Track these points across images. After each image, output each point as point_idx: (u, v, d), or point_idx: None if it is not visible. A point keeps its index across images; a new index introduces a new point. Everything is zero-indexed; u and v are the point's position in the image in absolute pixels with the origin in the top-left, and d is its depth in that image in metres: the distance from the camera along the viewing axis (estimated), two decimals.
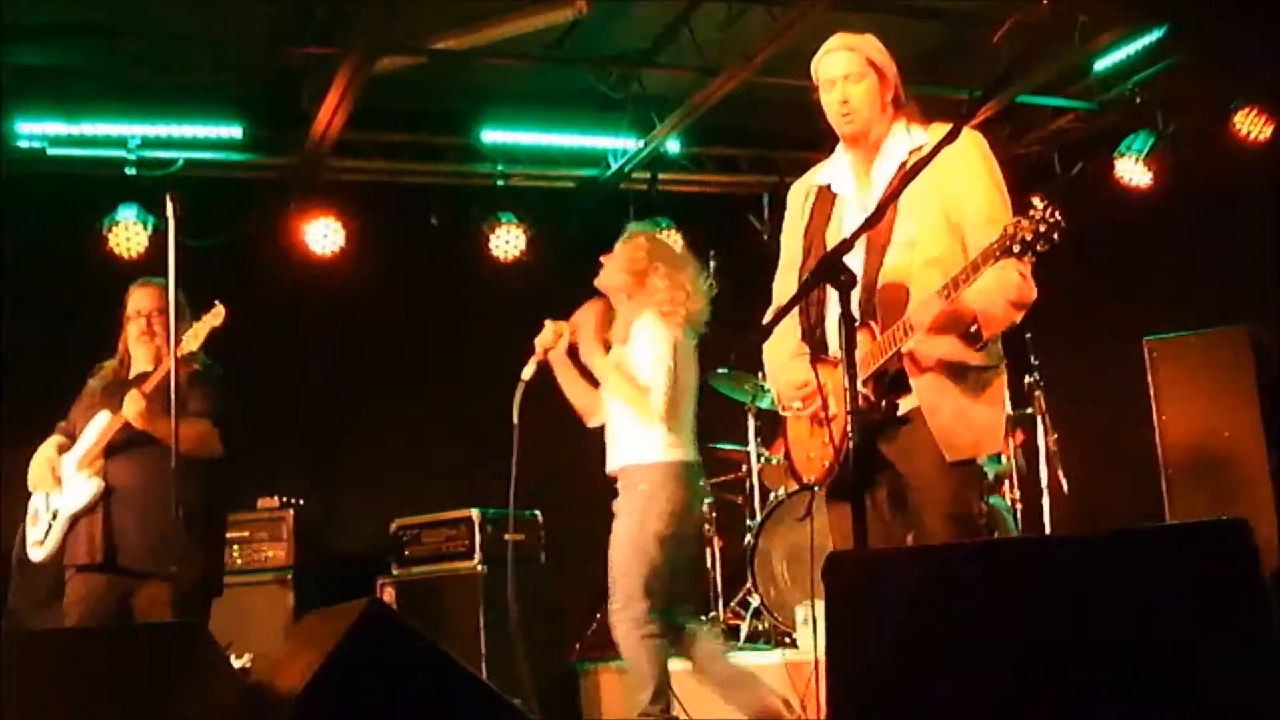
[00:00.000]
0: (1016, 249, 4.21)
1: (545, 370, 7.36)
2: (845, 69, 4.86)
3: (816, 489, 5.00)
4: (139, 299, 6.79)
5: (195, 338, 6.44)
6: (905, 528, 4.88)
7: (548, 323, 7.09)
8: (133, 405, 6.42)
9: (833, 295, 4.63)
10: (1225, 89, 9.77)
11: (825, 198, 5.02)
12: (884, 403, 4.67)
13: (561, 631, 9.23)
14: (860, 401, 4.51)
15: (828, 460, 4.82)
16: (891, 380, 4.67)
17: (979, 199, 4.70)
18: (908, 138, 4.85)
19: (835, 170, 5.06)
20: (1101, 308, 10.60)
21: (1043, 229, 4.18)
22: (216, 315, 6.49)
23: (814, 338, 4.89)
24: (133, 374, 6.76)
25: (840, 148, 5.06)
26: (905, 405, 4.69)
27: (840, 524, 4.93)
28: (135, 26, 8.77)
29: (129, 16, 8.67)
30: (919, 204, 4.65)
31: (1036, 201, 4.22)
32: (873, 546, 4.19)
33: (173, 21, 8.80)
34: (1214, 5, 8.68)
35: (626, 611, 6.52)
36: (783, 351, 5.04)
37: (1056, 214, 4.18)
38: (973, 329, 4.57)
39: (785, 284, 5.19)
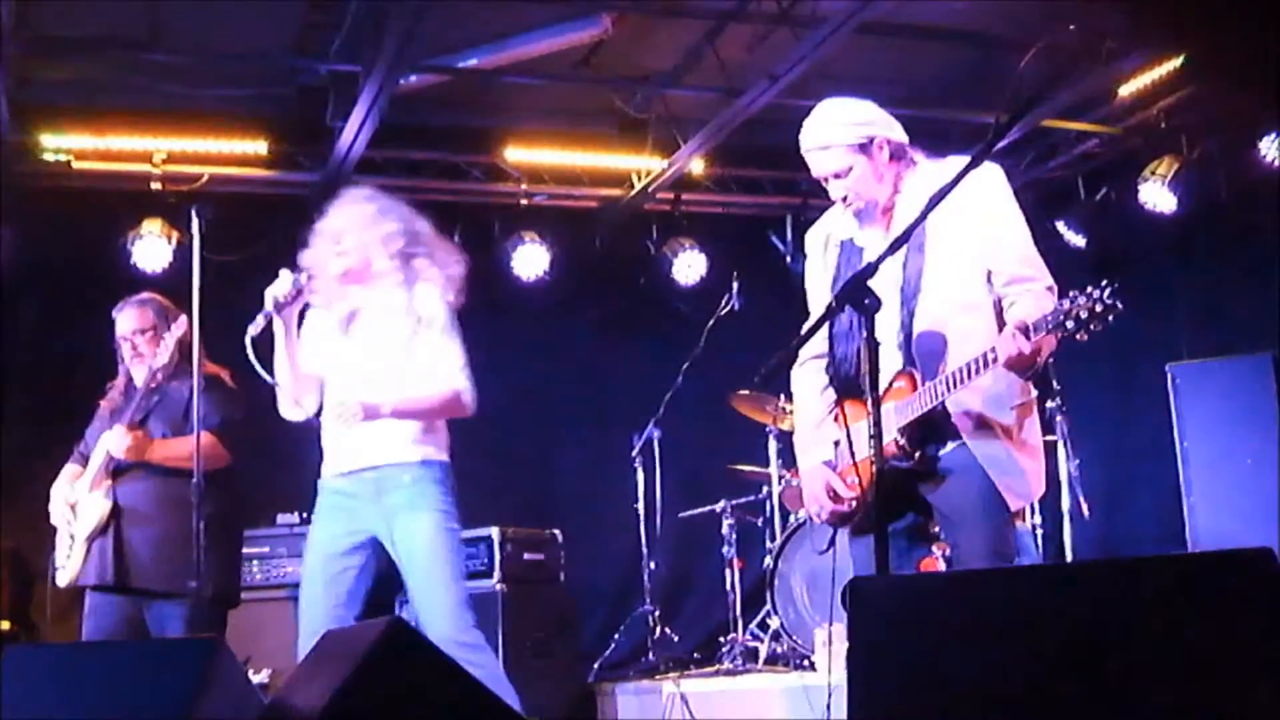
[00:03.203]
0: (1070, 325, 4.14)
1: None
2: (830, 168, 4.81)
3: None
4: (121, 323, 6.80)
5: (165, 349, 6.49)
6: (918, 559, 4.90)
7: (284, 272, 5.81)
8: (119, 443, 6.46)
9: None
10: (1251, 115, 9.74)
11: (849, 250, 4.94)
12: (919, 453, 4.60)
13: (580, 650, 9.20)
14: (895, 448, 4.54)
15: (851, 501, 4.80)
16: (930, 429, 4.60)
17: (1011, 240, 4.65)
18: (926, 179, 4.75)
19: (854, 223, 4.96)
20: (1124, 333, 10.55)
21: (1098, 309, 4.09)
22: (180, 326, 6.52)
23: (841, 373, 4.85)
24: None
25: None
26: (946, 456, 4.63)
27: (862, 557, 4.91)
28: (161, 42, 8.81)
29: (155, 32, 8.71)
30: (948, 249, 4.62)
31: (1096, 290, 4.14)
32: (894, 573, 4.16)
33: (199, 37, 8.84)
34: (1237, 31, 8.66)
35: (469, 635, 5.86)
36: (810, 396, 5.02)
37: (1113, 296, 4.09)
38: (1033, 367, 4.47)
39: (814, 340, 5.15)
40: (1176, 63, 9.45)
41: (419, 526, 5.76)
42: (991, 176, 4.70)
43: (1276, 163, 9.61)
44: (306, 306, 5.94)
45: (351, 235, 5.85)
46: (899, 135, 4.83)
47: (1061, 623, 3.00)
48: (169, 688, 3.73)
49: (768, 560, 9.03)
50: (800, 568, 8.81)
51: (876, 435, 4.01)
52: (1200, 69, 9.27)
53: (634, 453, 9.67)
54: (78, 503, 6.64)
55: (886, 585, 3.64)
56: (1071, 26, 8.20)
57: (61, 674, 3.96)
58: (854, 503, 4.79)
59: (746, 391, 9.34)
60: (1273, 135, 9.58)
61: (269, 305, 5.73)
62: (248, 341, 5.67)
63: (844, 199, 4.81)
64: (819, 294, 5.08)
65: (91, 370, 7.24)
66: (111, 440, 6.49)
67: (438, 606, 5.72)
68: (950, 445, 4.61)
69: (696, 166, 10.80)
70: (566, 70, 9.58)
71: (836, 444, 4.88)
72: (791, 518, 9.11)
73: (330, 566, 5.76)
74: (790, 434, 9.44)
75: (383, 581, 5.88)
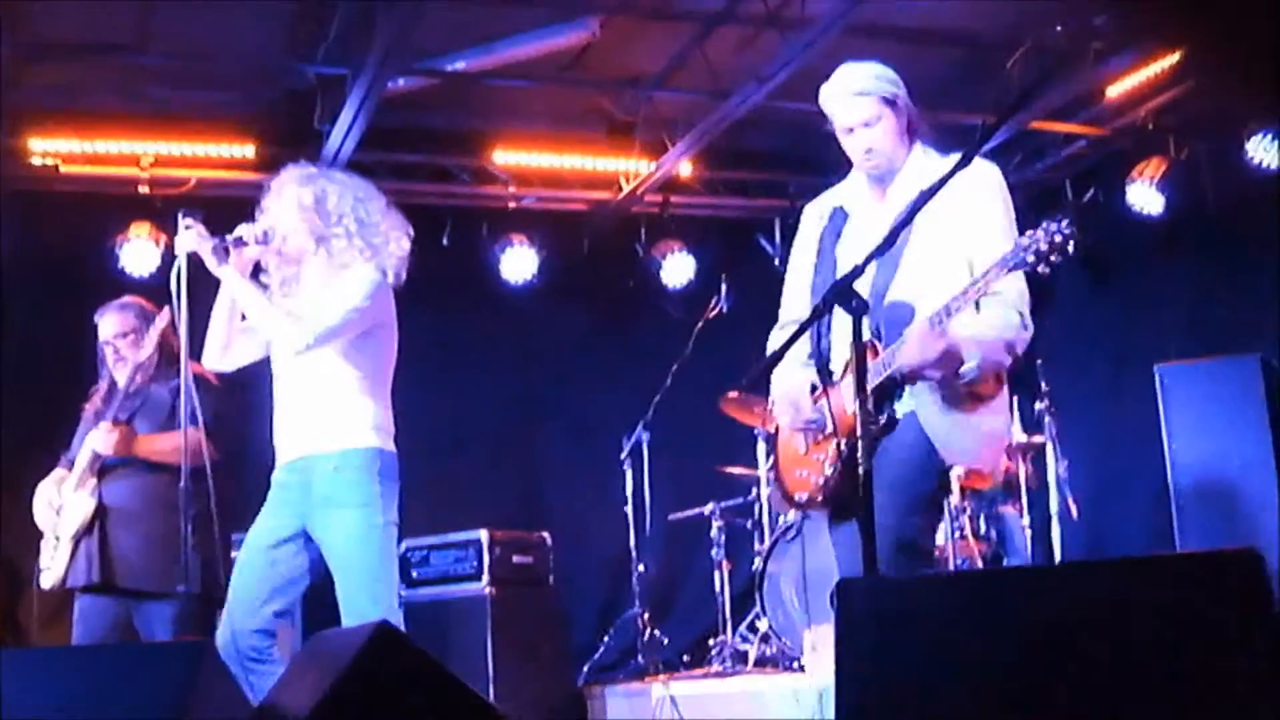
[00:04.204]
0: (1030, 259, 4.21)
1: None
2: (860, 116, 4.84)
3: (805, 512, 5.01)
4: (103, 327, 6.81)
5: (148, 344, 6.49)
6: None
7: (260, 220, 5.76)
8: (105, 440, 6.46)
9: (841, 316, 4.66)
10: (1238, 116, 9.76)
11: (838, 218, 5.02)
12: (883, 416, 4.65)
13: (569, 653, 9.20)
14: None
15: (820, 479, 4.83)
16: (885, 390, 4.65)
17: (992, 236, 4.67)
18: (926, 162, 4.84)
19: (851, 192, 5.06)
20: (1113, 334, 10.59)
21: (1057, 239, 4.16)
22: (162, 319, 6.52)
23: (819, 354, 4.92)
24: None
25: (857, 171, 5.04)
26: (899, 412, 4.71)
27: (847, 544, 4.86)
28: (149, 45, 8.80)
29: (143, 35, 8.70)
30: (934, 228, 4.64)
31: (1052, 223, 4.22)
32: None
33: (186, 41, 8.83)
34: (1228, 30, 8.67)
35: None
36: (787, 369, 5.02)
37: (1070, 225, 4.16)
38: (962, 369, 4.52)
39: (791, 302, 5.19)
40: (1164, 64, 9.46)
41: (338, 522, 5.59)
42: (987, 175, 4.77)
43: (1264, 164, 9.61)
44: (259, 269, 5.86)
45: (275, 210, 5.82)
46: (915, 114, 4.92)
47: (1050, 624, 3.01)
48: (158, 691, 3.73)
49: (757, 562, 9.04)
50: (789, 570, 8.81)
51: (864, 437, 4.01)
52: (1196, 65, 9.29)
53: (623, 455, 9.68)
54: (63, 504, 6.64)
55: (873, 586, 3.65)
56: (1059, 28, 8.20)
57: (50, 678, 3.95)
58: (819, 480, 4.84)
59: (735, 394, 9.33)
60: (1260, 136, 9.59)
61: (233, 236, 5.66)
62: (180, 261, 5.59)
63: (866, 151, 4.84)
64: (801, 260, 5.14)
65: (82, 375, 7.23)
66: (96, 438, 6.49)
67: (356, 607, 5.54)
68: (901, 403, 4.69)
69: (685, 169, 10.80)
70: (554, 73, 9.57)
71: (816, 423, 4.88)
72: (780, 520, 9.11)
73: (258, 560, 5.65)
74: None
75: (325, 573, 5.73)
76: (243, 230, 5.69)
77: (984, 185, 4.74)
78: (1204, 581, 2.89)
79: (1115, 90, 9.81)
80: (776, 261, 11.54)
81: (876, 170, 4.87)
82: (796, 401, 4.91)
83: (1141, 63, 9.48)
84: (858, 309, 4.07)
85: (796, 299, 5.14)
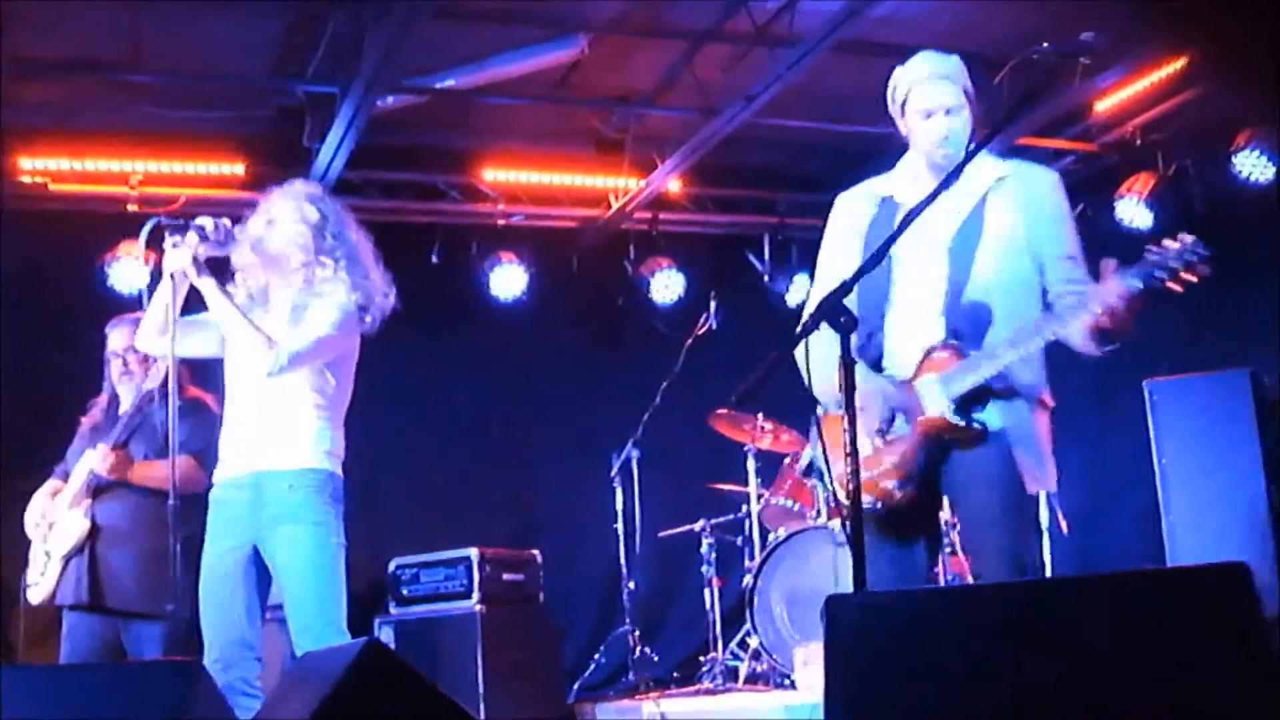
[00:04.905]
0: (1162, 274, 4.21)
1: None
2: (944, 102, 4.78)
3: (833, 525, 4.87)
4: (115, 339, 6.80)
5: (157, 374, 6.47)
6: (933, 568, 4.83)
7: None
8: (100, 462, 6.45)
9: (902, 311, 4.69)
10: (1227, 130, 9.78)
11: (889, 207, 4.89)
12: (968, 423, 4.56)
13: (560, 671, 9.19)
14: (945, 421, 4.53)
15: (889, 483, 4.67)
16: (977, 396, 4.57)
17: (1060, 236, 4.70)
18: (983, 160, 4.73)
19: (902, 182, 4.94)
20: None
21: (1190, 257, 4.19)
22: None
23: (869, 347, 4.78)
24: (121, 410, 6.77)
25: (913, 158, 4.94)
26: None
27: (886, 557, 4.75)
28: (139, 63, 8.79)
29: (133, 53, 8.70)
30: (1007, 231, 4.64)
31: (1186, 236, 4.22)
32: (872, 589, 4.12)
33: (176, 59, 8.84)
34: (1232, 36, 8.68)
35: None
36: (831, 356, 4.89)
37: (1198, 244, 4.17)
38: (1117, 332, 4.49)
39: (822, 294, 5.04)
40: (1153, 79, 9.49)
41: (292, 539, 5.50)
42: (1050, 177, 4.81)
43: (1252, 178, 9.64)
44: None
45: (279, 220, 5.74)
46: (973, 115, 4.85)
47: (1038, 638, 3.01)
48: (147, 711, 3.72)
49: (747, 579, 9.03)
50: (780, 586, 8.80)
51: (852, 454, 3.99)
52: (1200, 71, 9.32)
53: (613, 472, 9.67)
54: (55, 520, 6.64)
55: (862, 602, 3.64)
56: (1046, 44, 8.23)
57: (38, 697, 3.94)
58: (888, 485, 4.68)
59: (725, 410, 9.34)
60: (1247, 151, 9.62)
61: (195, 223, 5.56)
62: (179, 279, 5.54)
63: (943, 138, 4.75)
64: (840, 250, 4.99)
65: (71, 393, 7.23)
66: (94, 459, 6.49)
67: (306, 624, 5.47)
68: (984, 411, 4.59)
69: (674, 186, 10.81)
70: (544, 91, 9.59)
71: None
72: (770, 536, 9.11)
73: (221, 589, 5.55)
74: (769, 453, 9.50)
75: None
76: (204, 221, 5.60)
77: (1051, 187, 4.77)
78: (1194, 596, 2.90)
79: (1104, 105, 9.85)
80: (766, 278, 11.56)
81: (948, 160, 4.72)
82: (868, 407, 4.72)
83: (1130, 78, 9.50)
84: (845, 325, 4.04)
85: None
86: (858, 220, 4.99)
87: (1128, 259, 4.44)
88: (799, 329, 4.34)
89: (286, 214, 5.75)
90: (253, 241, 5.71)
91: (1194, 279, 4.21)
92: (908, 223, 4.31)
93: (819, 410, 4.72)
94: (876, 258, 4.30)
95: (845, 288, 4.10)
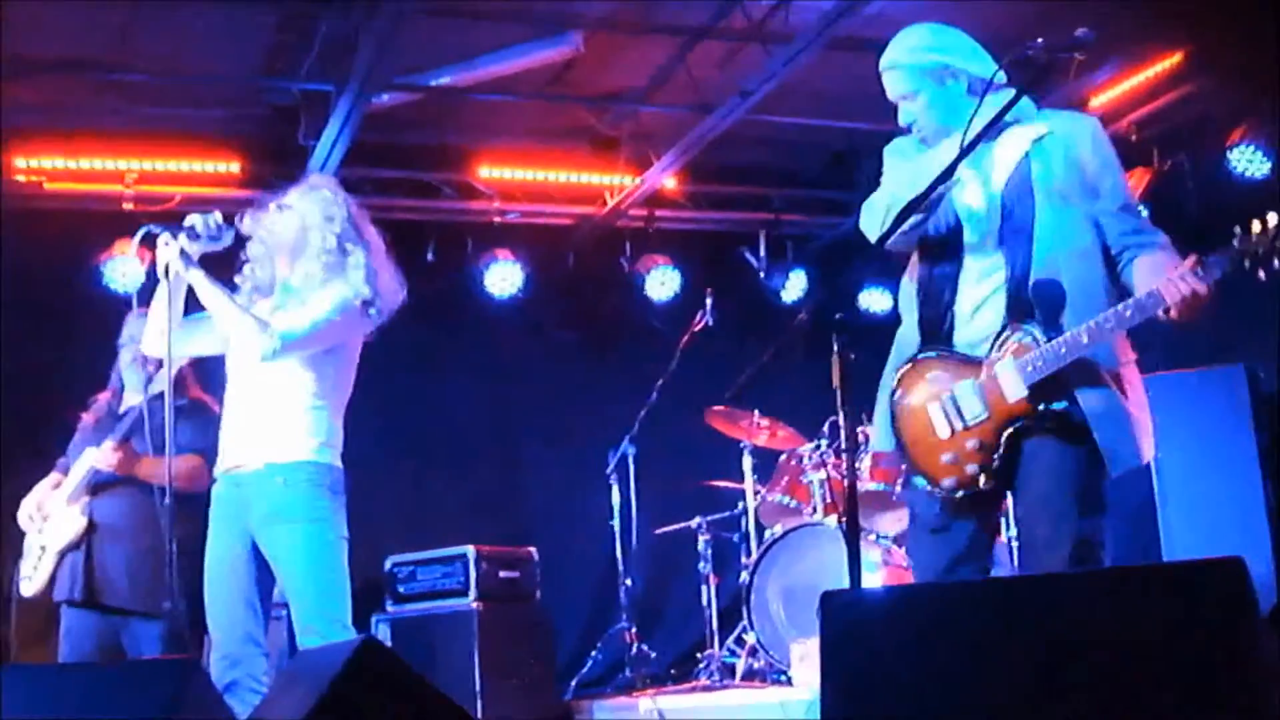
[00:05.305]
0: (1248, 263, 4.14)
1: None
2: (899, 89, 4.69)
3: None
4: (134, 326, 6.80)
5: (163, 377, 6.46)
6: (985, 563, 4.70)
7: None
8: (104, 458, 6.45)
9: (972, 278, 4.58)
10: (1223, 126, 9.78)
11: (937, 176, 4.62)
12: (1046, 407, 4.41)
13: (556, 668, 9.19)
14: (1025, 406, 4.39)
15: (975, 467, 4.51)
16: (1052, 382, 4.40)
17: (1111, 187, 4.55)
18: (1023, 126, 4.63)
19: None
20: None
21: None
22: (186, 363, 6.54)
23: (940, 325, 4.65)
24: (123, 406, 6.76)
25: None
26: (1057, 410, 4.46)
27: (931, 550, 4.69)
28: (133, 62, 8.79)
29: (127, 52, 8.70)
30: (1060, 191, 4.49)
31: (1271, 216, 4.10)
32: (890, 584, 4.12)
33: (170, 57, 8.83)
34: (1231, 30, 8.68)
35: None
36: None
37: None
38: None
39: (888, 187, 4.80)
40: (1147, 74, 9.50)
41: (288, 537, 5.48)
42: (1089, 125, 4.65)
43: (1247, 174, 9.64)
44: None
45: (303, 209, 5.74)
46: (982, 70, 4.69)
47: (1034, 634, 3.01)
48: (143, 709, 3.71)
49: (744, 575, 9.02)
50: (776, 583, 8.79)
51: (848, 450, 4.00)
52: (1198, 65, 9.32)
53: (609, 469, 9.67)
54: (51, 514, 6.63)
55: (858, 598, 3.64)
56: (1040, 40, 8.21)
57: (34, 695, 3.94)
58: (971, 469, 4.54)
59: (721, 407, 9.33)
60: (1243, 147, 9.62)
61: (186, 224, 5.56)
62: (175, 277, 5.52)
63: (912, 124, 4.69)
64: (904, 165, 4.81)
65: (66, 392, 7.23)
66: (97, 455, 6.48)
67: (311, 623, 5.45)
68: (1063, 396, 4.43)
69: (669, 183, 10.81)
70: (539, 88, 9.59)
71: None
72: (767, 533, 9.10)
73: (224, 585, 5.56)
74: (765, 450, 9.50)
75: None
76: (193, 219, 5.59)
77: (1094, 136, 4.61)
78: (1190, 591, 2.89)
79: (1098, 101, 9.84)
80: (761, 275, 11.56)
81: (929, 140, 4.68)
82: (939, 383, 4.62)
83: (1124, 74, 9.51)
84: (844, 323, 4.04)
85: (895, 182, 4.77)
86: (897, 158, 4.88)
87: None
88: (791, 330, 4.30)
89: (304, 207, 5.76)
90: (266, 232, 5.72)
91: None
92: (931, 189, 4.27)
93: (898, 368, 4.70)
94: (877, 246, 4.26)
95: (841, 302, 4.10)
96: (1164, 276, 4.24)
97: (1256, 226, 4.12)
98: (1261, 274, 4.11)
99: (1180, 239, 4.44)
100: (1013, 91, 4.59)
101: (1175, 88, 9.66)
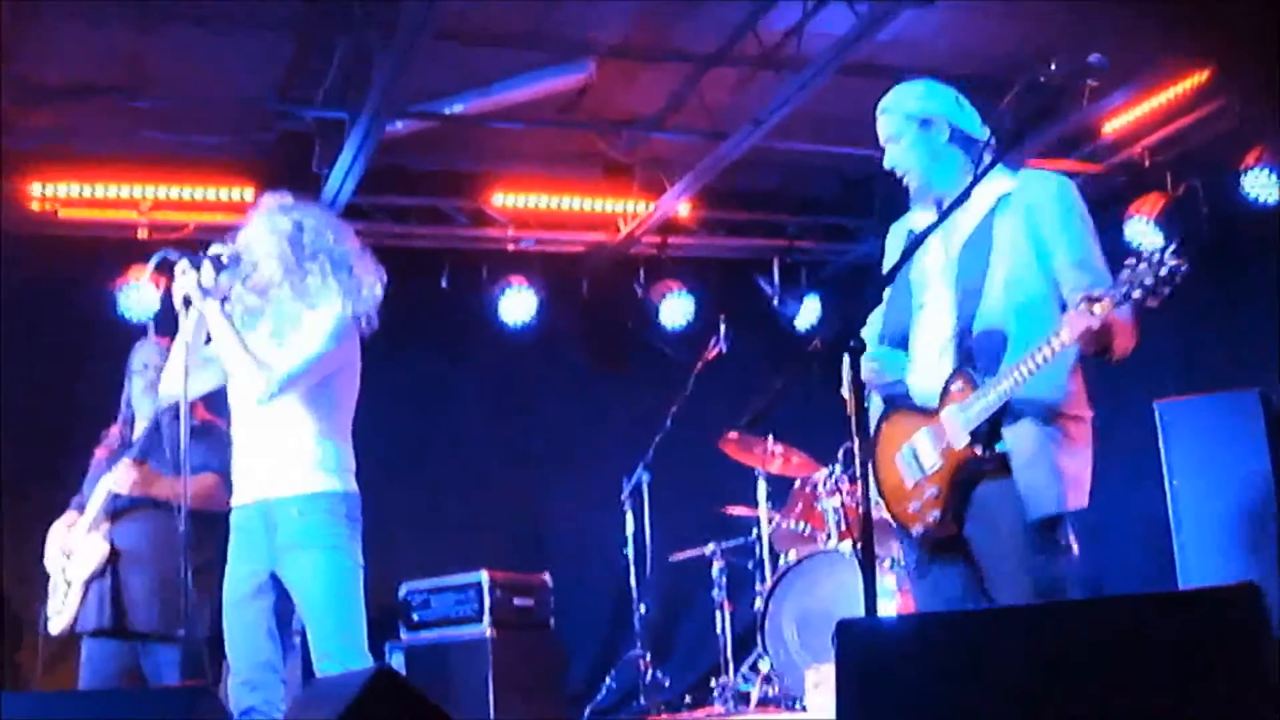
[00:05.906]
0: (1136, 294, 4.16)
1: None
2: (884, 133, 4.87)
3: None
4: (146, 353, 6.82)
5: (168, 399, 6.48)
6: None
7: (205, 262, 5.60)
8: (124, 478, 6.44)
9: (924, 339, 4.71)
10: (1236, 150, 9.77)
11: (909, 240, 4.87)
12: (989, 451, 4.54)
13: (571, 696, 9.18)
14: (969, 451, 4.52)
15: (933, 515, 4.66)
16: (994, 424, 4.52)
17: (1068, 242, 4.61)
18: (994, 180, 4.70)
19: (923, 212, 4.94)
20: (1112, 370, 10.55)
21: (1164, 272, 4.11)
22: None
23: (902, 381, 4.80)
24: (136, 434, 6.76)
25: None
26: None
27: (940, 584, 4.79)
28: (147, 88, 8.82)
29: (140, 78, 8.73)
30: (1013, 247, 4.60)
31: (1156, 253, 4.15)
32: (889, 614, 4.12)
33: (184, 84, 8.86)
34: (1257, 48, 8.67)
35: None
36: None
37: (1175, 254, 4.11)
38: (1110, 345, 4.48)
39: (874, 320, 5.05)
40: (1161, 99, 9.49)
41: (306, 565, 5.49)
42: (1059, 188, 4.70)
43: (1261, 199, 9.63)
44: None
45: (249, 235, 5.74)
46: (969, 126, 4.85)
47: (1051, 661, 3.00)
48: None
49: (758, 602, 9.00)
50: (791, 609, 8.77)
51: (862, 477, 4.00)
52: (1224, 83, 9.31)
53: (623, 496, 9.67)
54: (74, 549, 6.62)
55: (872, 627, 3.64)
56: (1053, 66, 8.23)
57: None
58: (933, 516, 4.68)
59: (735, 434, 9.32)
60: (1257, 170, 9.61)
61: (210, 254, 5.58)
62: (194, 306, 5.51)
63: (893, 168, 4.84)
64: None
65: (83, 419, 7.23)
66: (114, 478, 6.47)
67: (328, 650, 5.46)
68: (1002, 443, 4.55)
69: (683, 210, 10.82)
70: (552, 115, 9.60)
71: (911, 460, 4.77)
72: (781, 559, 9.08)
73: (243, 612, 5.57)
74: (779, 477, 9.48)
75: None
76: (218, 249, 5.62)
77: (1056, 195, 4.67)
78: (1204, 617, 2.88)
79: (1112, 126, 9.84)
80: (775, 301, 11.55)
81: (911, 186, 4.85)
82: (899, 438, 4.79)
83: (1138, 99, 9.51)
84: (855, 349, 4.06)
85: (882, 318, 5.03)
86: (890, 256, 5.03)
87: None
88: (802, 361, 4.36)
89: (260, 232, 5.74)
90: (229, 263, 5.66)
91: (1170, 290, 4.16)
92: (906, 256, 4.38)
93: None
94: (878, 289, 4.32)
95: (853, 327, 4.15)
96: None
97: (1140, 260, 4.16)
98: (1154, 301, 4.19)
99: (1197, 263, 4.43)
100: (1004, 174, 4.74)
101: (1193, 110, 9.64)
